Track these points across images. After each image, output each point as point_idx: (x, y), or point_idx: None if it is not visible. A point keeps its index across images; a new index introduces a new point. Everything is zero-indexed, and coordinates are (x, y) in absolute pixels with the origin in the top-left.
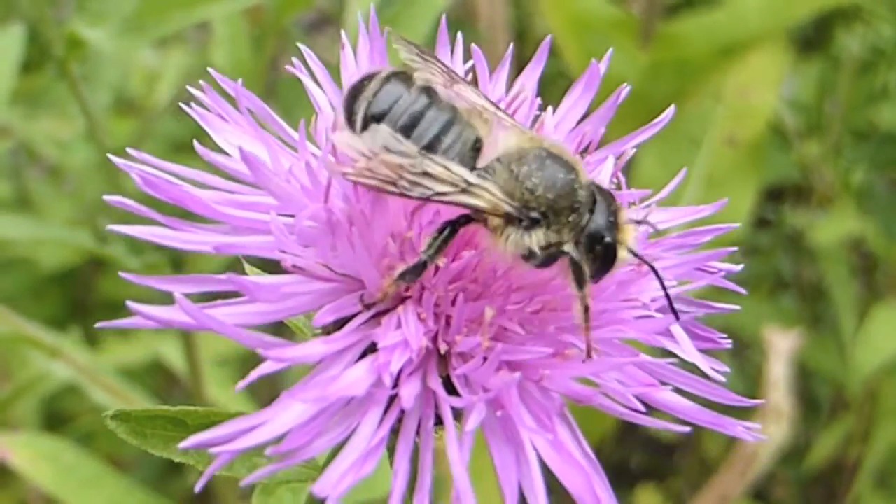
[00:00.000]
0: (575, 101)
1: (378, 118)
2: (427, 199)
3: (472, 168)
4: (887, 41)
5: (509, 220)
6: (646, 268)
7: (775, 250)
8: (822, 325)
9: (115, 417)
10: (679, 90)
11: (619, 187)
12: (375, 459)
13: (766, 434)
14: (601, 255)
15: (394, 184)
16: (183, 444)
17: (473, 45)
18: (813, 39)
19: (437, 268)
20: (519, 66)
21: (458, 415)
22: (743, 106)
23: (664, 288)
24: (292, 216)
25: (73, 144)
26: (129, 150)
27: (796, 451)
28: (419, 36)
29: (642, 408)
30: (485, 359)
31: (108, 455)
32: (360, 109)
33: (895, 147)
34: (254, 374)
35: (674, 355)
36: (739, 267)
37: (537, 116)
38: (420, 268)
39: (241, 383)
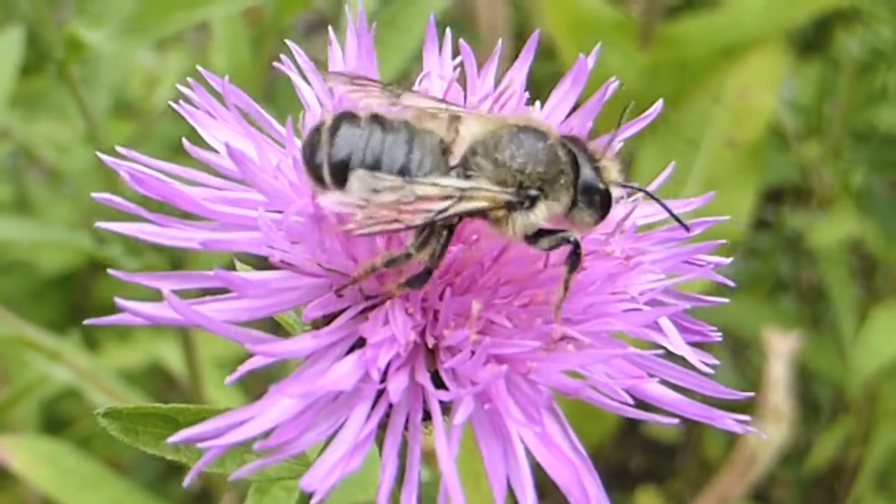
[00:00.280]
0: (563, 95)
1: (344, 165)
2: (433, 222)
3: (450, 170)
4: (887, 43)
5: (510, 206)
6: (633, 261)
7: (775, 252)
8: (821, 327)
9: (106, 415)
10: (679, 91)
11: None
12: (363, 454)
13: (766, 435)
14: (599, 203)
15: (397, 221)
16: (172, 439)
17: (462, 42)
18: (812, 41)
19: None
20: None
21: (446, 409)
22: (742, 107)
23: (667, 209)
24: (281, 212)
25: (73, 147)
26: (118, 149)
27: (796, 453)
28: (417, 36)
29: (631, 400)
30: (472, 352)
31: (108, 458)
32: (323, 163)
33: (895, 149)
34: (243, 369)
35: (665, 349)
36: (729, 260)
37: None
38: (403, 261)
39: (231, 377)
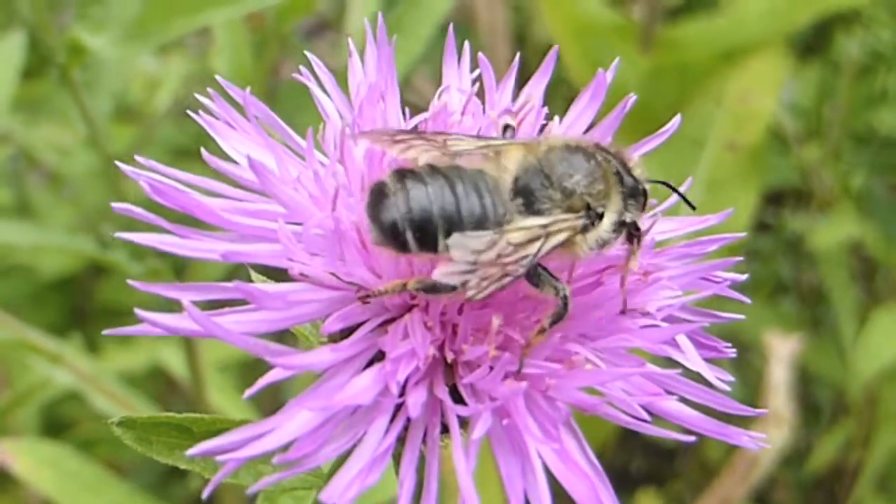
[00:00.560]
0: (581, 110)
1: (426, 225)
2: (534, 266)
3: (519, 207)
4: (886, 45)
5: (584, 228)
6: (651, 277)
7: (775, 254)
8: (822, 329)
9: (120, 424)
10: (680, 95)
11: None
12: (381, 468)
13: (767, 439)
14: (643, 203)
15: (506, 275)
16: (191, 452)
17: (481, 55)
18: (812, 44)
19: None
20: (520, 73)
21: (464, 423)
22: (743, 111)
23: (677, 192)
24: (300, 224)
25: (74, 151)
26: (138, 158)
27: (797, 456)
28: (421, 40)
29: (647, 417)
30: (491, 368)
31: (109, 461)
32: (404, 228)
33: (895, 151)
34: (262, 382)
35: (678, 364)
36: (744, 276)
37: (544, 126)
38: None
39: (249, 391)
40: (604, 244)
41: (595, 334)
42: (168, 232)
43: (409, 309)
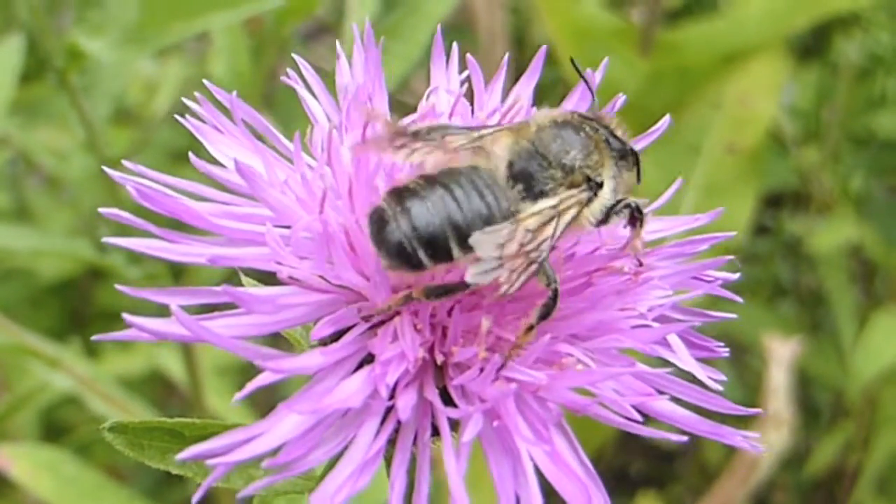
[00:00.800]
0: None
1: (435, 239)
2: (553, 249)
3: (520, 194)
4: (885, 48)
5: (589, 200)
6: (642, 276)
7: (774, 257)
8: (821, 332)
9: (112, 429)
10: (679, 98)
11: None
12: (372, 471)
13: (766, 441)
14: (633, 162)
15: (532, 263)
16: (180, 456)
17: (469, 56)
18: (811, 46)
19: (433, 279)
20: (518, 74)
21: (454, 425)
22: (743, 114)
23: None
24: (288, 228)
25: (72, 154)
26: (126, 163)
27: (797, 458)
28: (419, 44)
29: (639, 417)
30: (481, 369)
31: (107, 465)
32: (416, 248)
33: (893, 154)
34: (251, 386)
35: (671, 364)
36: (736, 275)
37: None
38: (462, 289)
39: (239, 394)
40: (606, 212)
41: (586, 335)
42: (157, 236)
43: (399, 311)
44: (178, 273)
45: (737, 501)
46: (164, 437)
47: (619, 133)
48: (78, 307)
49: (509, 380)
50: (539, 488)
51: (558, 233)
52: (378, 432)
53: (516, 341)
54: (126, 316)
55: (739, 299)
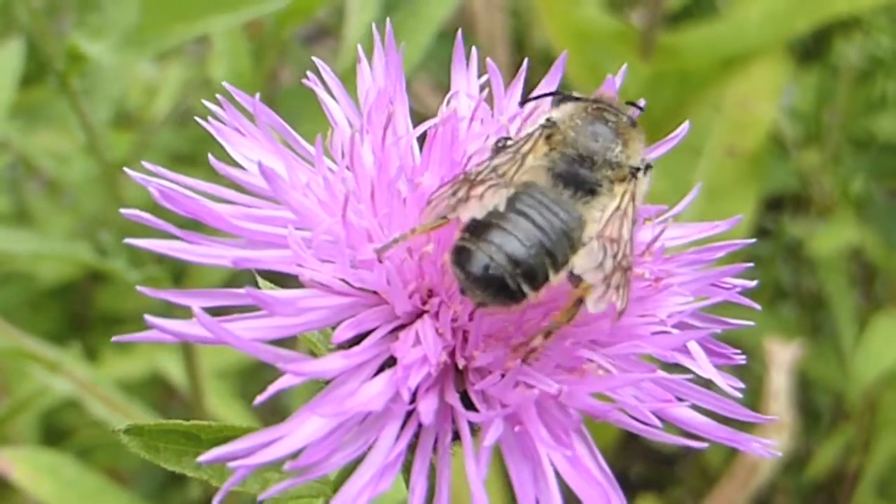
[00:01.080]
0: None
1: (532, 267)
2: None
3: (572, 193)
4: (886, 51)
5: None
6: (662, 283)
7: (775, 260)
8: (821, 335)
9: (128, 432)
10: (679, 101)
11: None
12: (392, 475)
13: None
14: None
15: (626, 270)
16: (202, 458)
17: (489, 61)
18: (812, 49)
19: (455, 281)
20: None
21: (475, 430)
22: (743, 116)
23: None
24: (309, 230)
25: (72, 158)
26: (145, 164)
27: (797, 461)
28: (419, 47)
29: (659, 423)
30: (503, 374)
31: (108, 468)
32: (521, 284)
33: (893, 156)
34: (272, 389)
35: (688, 371)
36: (754, 283)
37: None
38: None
39: (260, 398)
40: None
41: (606, 341)
42: (176, 238)
43: (420, 315)
44: (178, 276)
45: None
46: (179, 439)
47: (622, 107)
48: (78, 311)
49: (530, 386)
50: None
51: (633, 230)
52: (399, 436)
53: (531, 344)
54: (148, 317)
55: (758, 306)
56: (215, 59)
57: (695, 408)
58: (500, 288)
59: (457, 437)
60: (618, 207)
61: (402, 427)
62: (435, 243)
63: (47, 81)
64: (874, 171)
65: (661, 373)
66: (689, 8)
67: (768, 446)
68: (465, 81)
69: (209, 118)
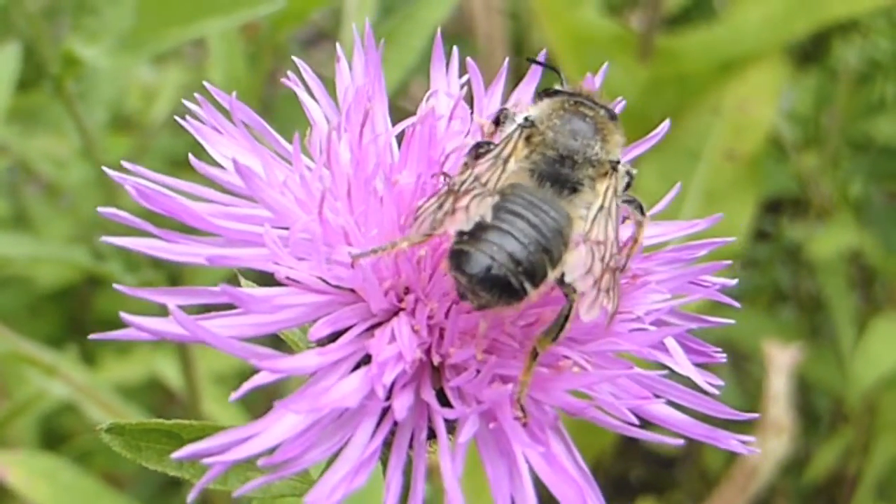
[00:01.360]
0: None
1: (534, 267)
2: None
3: (556, 190)
4: (884, 53)
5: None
6: (640, 280)
7: (773, 263)
8: (820, 338)
9: (109, 431)
10: (678, 105)
11: None
12: (368, 471)
13: (766, 448)
14: (617, 120)
15: (615, 270)
16: (177, 455)
17: (469, 59)
18: (810, 52)
19: (431, 279)
20: (518, 80)
21: (451, 427)
22: (742, 120)
23: None
24: (287, 229)
25: (70, 162)
26: (125, 164)
27: (797, 464)
28: (415, 50)
29: (636, 420)
30: (478, 371)
31: (106, 473)
32: (523, 282)
33: (892, 159)
34: (247, 386)
35: (668, 369)
36: (734, 281)
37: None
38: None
39: (235, 394)
40: (626, 182)
41: (583, 338)
42: (155, 236)
43: (397, 313)
44: (174, 280)
45: None
46: (161, 438)
47: (598, 100)
48: (77, 314)
49: (505, 381)
50: (535, 491)
51: (616, 228)
52: (374, 433)
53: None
54: (124, 315)
55: (737, 304)
56: (212, 63)
57: (677, 406)
58: (504, 288)
59: (433, 433)
60: (601, 206)
61: (378, 424)
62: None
63: (44, 85)
64: (873, 173)
65: (638, 370)
66: (687, 11)
67: (749, 444)
68: (444, 80)
69: (187, 117)
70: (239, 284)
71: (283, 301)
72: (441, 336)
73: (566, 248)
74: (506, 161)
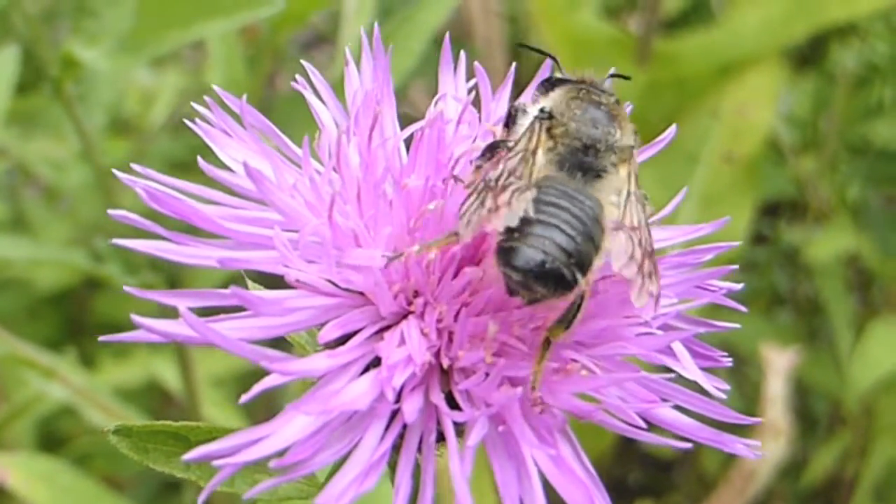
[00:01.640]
0: None
1: (582, 256)
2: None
3: (582, 177)
4: (882, 57)
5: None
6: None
7: (771, 266)
8: (818, 341)
9: (116, 433)
10: (677, 108)
11: None
12: (377, 474)
13: (764, 450)
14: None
15: (652, 254)
16: (187, 456)
17: (477, 64)
18: (809, 55)
19: (440, 283)
20: (516, 84)
21: (460, 430)
22: (740, 123)
23: None
24: (296, 231)
25: (69, 164)
26: (134, 166)
27: (794, 467)
28: (413, 54)
29: (643, 424)
30: (487, 374)
31: (105, 475)
32: (575, 273)
33: (890, 163)
34: (257, 388)
35: (674, 372)
36: (740, 286)
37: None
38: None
39: (245, 396)
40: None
41: (591, 342)
42: (165, 239)
43: (406, 316)
44: (174, 283)
45: None
46: (168, 440)
47: (605, 86)
48: (76, 317)
49: (514, 384)
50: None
51: (647, 214)
52: (384, 436)
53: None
54: (134, 317)
55: (744, 309)
56: (211, 65)
57: (684, 410)
58: (559, 280)
59: (442, 436)
60: (629, 192)
61: (388, 427)
62: (421, 245)
63: (43, 88)
64: (871, 177)
65: (646, 374)
66: (686, 15)
67: (753, 447)
68: (452, 84)
69: (196, 120)
70: (245, 287)
71: (293, 304)
72: (450, 339)
73: (604, 235)
74: (534, 153)
